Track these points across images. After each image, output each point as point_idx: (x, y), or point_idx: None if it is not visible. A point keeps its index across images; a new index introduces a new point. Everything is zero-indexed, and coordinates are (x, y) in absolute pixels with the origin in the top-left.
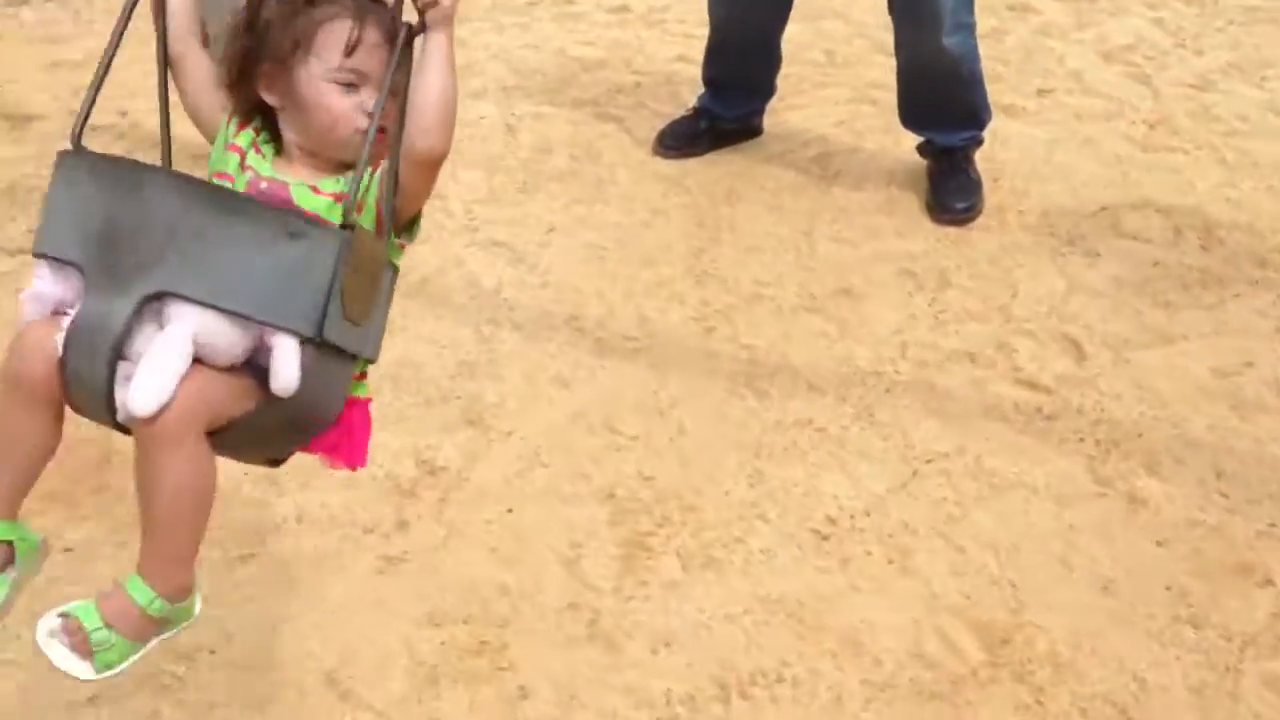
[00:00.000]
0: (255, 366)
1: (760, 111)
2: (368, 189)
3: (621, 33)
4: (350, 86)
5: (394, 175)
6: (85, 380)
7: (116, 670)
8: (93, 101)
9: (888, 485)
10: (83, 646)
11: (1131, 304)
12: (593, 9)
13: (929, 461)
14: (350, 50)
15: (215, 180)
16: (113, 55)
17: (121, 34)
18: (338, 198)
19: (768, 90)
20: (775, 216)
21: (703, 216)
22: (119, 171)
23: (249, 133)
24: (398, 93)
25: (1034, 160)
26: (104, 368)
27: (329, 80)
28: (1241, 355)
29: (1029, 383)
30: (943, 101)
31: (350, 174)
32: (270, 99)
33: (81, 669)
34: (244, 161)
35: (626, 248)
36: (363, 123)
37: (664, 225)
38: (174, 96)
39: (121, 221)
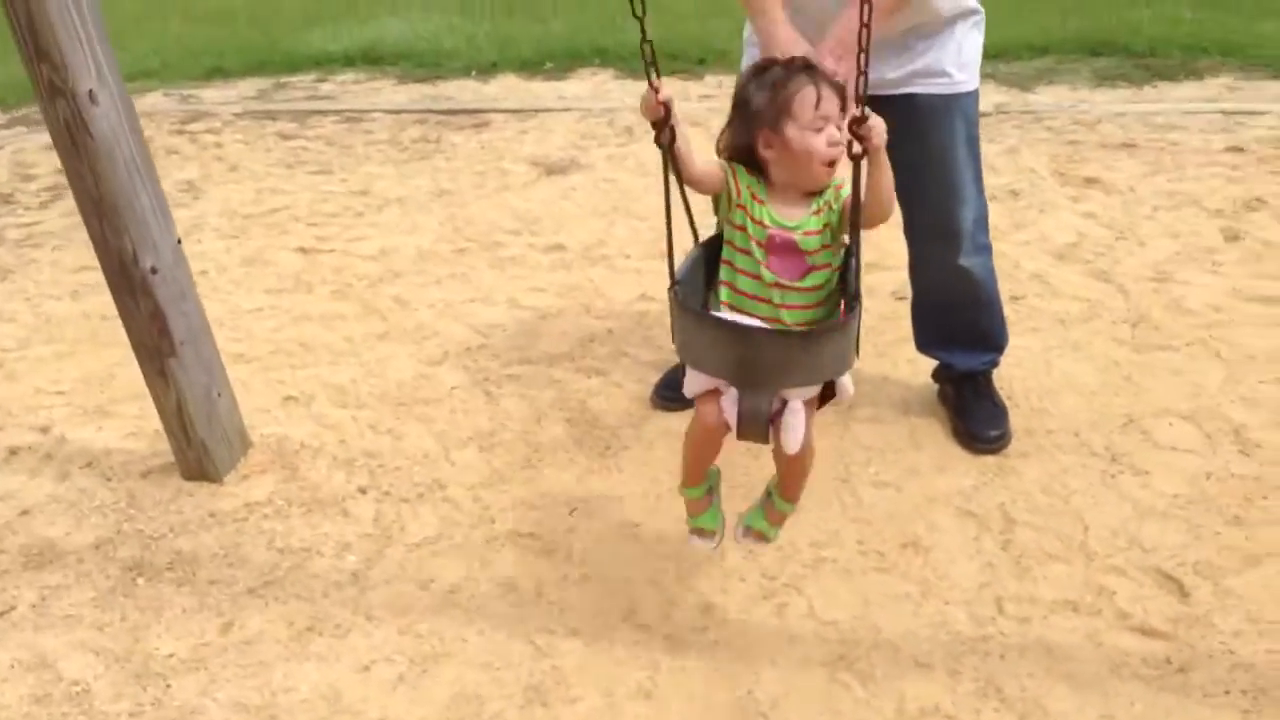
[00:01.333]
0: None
1: None
2: (832, 217)
3: (568, 275)
4: (819, 130)
5: (856, 244)
6: (753, 434)
7: (772, 543)
8: (671, 249)
9: None
10: (760, 538)
11: (1206, 525)
12: (527, 251)
13: None
14: (816, 105)
15: (729, 229)
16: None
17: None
18: (819, 231)
19: None
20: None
21: (728, 475)
22: (739, 332)
23: (745, 189)
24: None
25: (1037, 375)
26: (764, 427)
27: (808, 129)
28: None
29: (1143, 629)
30: (962, 324)
31: (819, 199)
32: (768, 154)
33: (759, 546)
34: (751, 215)
35: (660, 521)
36: (835, 154)
37: None
38: None
39: (750, 359)
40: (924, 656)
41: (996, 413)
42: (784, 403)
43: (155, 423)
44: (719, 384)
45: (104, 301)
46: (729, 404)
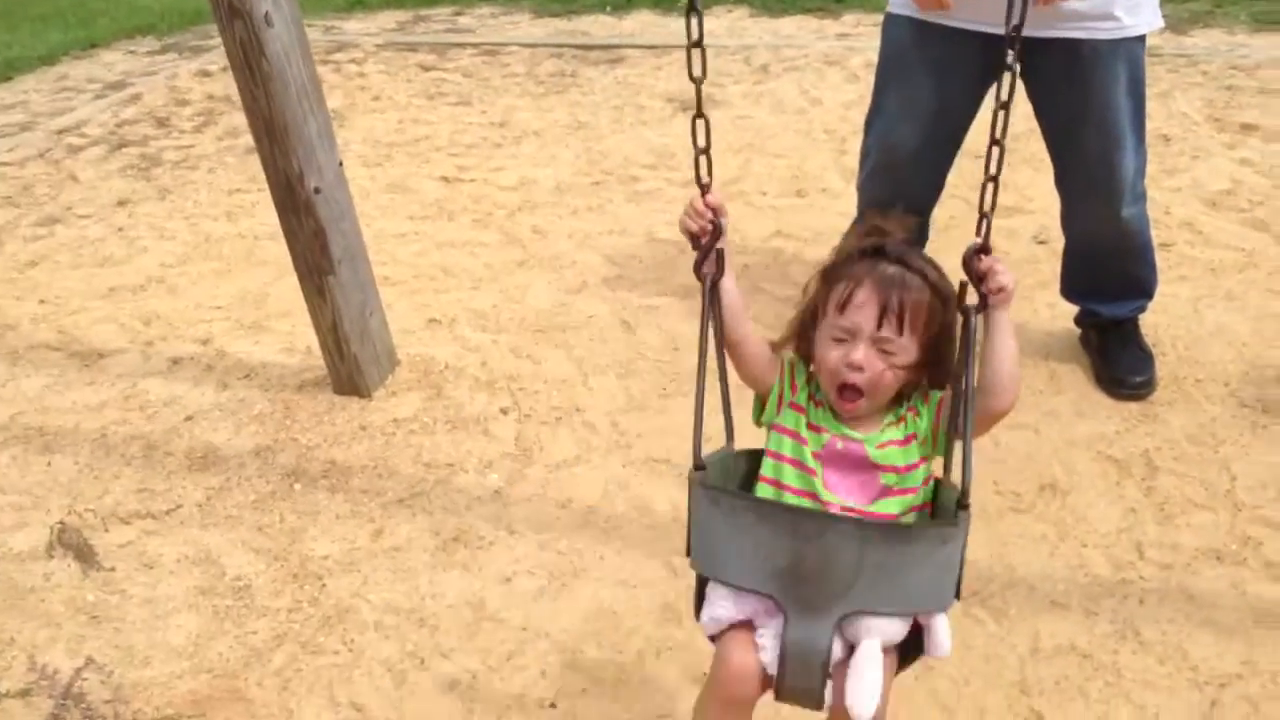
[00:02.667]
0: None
1: None
2: (923, 421)
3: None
4: (839, 341)
5: (963, 434)
6: (801, 689)
7: None
8: (700, 423)
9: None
10: None
11: None
12: (663, 185)
13: (1223, 686)
14: (841, 308)
15: (778, 434)
16: (703, 376)
17: (706, 347)
18: (901, 443)
19: None
20: None
21: None
22: (794, 517)
23: (804, 389)
24: (958, 375)
25: (1186, 322)
26: (819, 679)
27: (828, 335)
28: None
29: None
30: (1116, 273)
31: (900, 406)
32: (806, 356)
33: None
34: (809, 420)
35: None
36: (849, 377)
37: None
38: None
39: (809, 562)
40: (1060, 596)
41: (1143, 358)
42: (850, 647)
43: (308, 339)
44: (754, 611)
45: (257, 222)
46: (768, 641)
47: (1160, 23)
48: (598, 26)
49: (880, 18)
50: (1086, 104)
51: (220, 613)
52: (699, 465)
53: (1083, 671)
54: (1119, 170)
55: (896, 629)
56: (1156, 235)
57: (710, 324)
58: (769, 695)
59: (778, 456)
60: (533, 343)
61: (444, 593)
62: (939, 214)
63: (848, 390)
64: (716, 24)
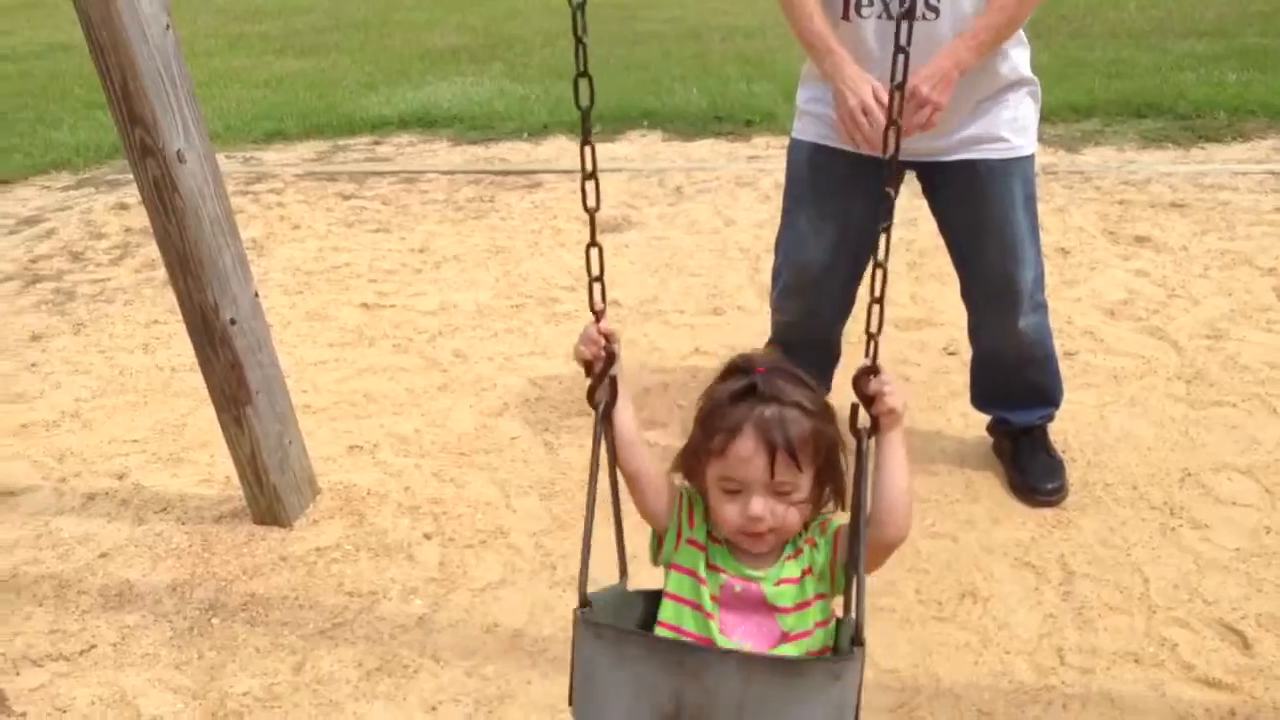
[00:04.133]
0: None
1: None
2: (820, 555)
3: (622, 330)
4: (733, 494)
5: (857, 567)
6: None
7: None
8: (586, 557)
9: None
10: None
11: (1267, 578)
12: (581, 306)
13: None
14: (728, 460)
15: (677, 574)
16: (592, 507)
17: (594, 492)
18: (796, 580)
19: (825, 387)
20: None
21: None
22: (677, 653)
23: (701, 526)
24: (843, 493)
25: (1093, 429)
26: None
27: (718, 487)
28: None
29: (1207, 681)
30: (1021, 382)
31: (799, 537)
32: (700, 490)
33: None
34: (708, 559)
35: None
36: (753, 527)
37: None
38: None
39: (690, 702)
40: (986, 705)
41: (1053, 465)
42: None
43: (226, 470)
44: None
45: (174, 353)
46: None
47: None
48: (514, 153)
49: (787, 140)
50: (986, 219)
51: None
52: (584, 603)
53: None
54: (1018, 281)
55: None
56: (1061, 344)
57: (603, 452)
58: None
59: (677, 599)
60: (455, 466)
61: None
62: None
63: (753, 539)
64: (631, 149)
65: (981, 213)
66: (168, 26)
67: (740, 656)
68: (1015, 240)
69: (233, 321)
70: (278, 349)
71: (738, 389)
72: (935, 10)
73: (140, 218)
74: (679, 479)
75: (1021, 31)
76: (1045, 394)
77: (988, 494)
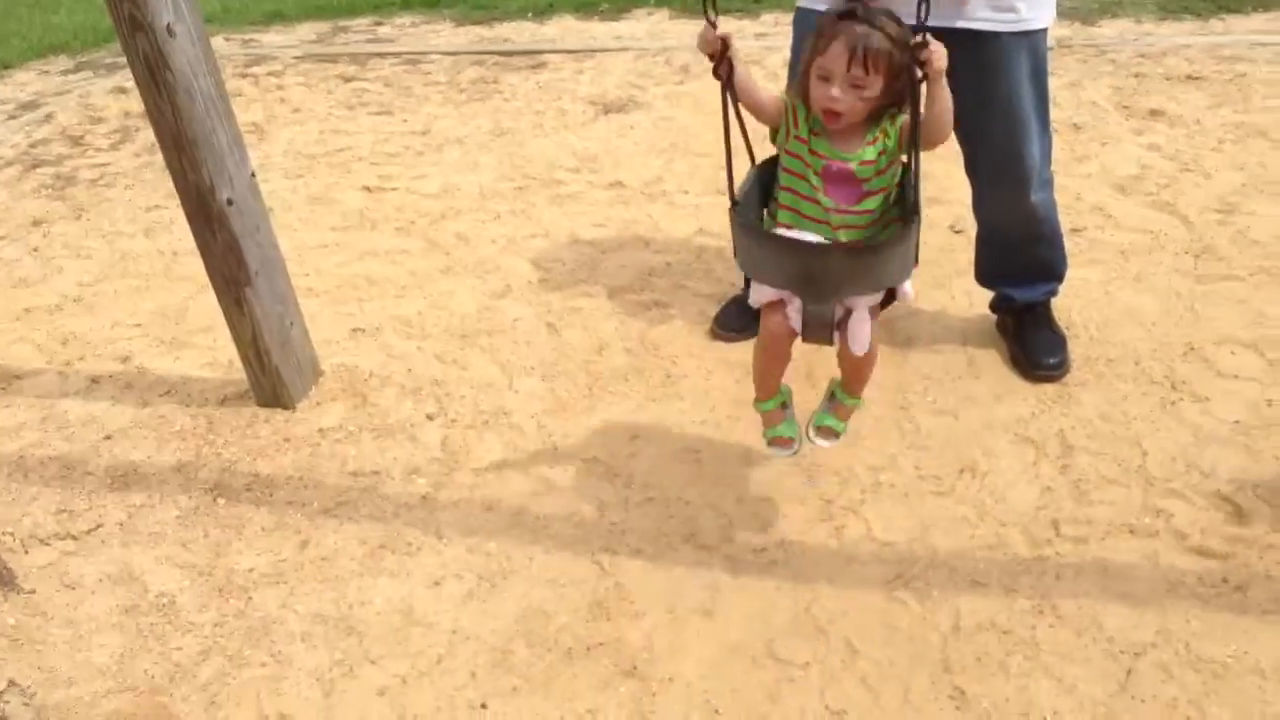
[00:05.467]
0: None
1: None
2: (891, 140)
3: (626, 210)
4: (823, 79)
5: (915, 161)
6: (817, 337)
7: (842, 437)
8: (730, 168)
9: (1106, 689)
10: (831, 434)
11: (1265, 450)
12: (586, 188)
13: (1138, 655)
14: (824, 55)
15: (787, 156)
16: (729, 139)
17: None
18: (874, 160)
19: None
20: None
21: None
22: (804, 249)
23: (804, 125)
24: (904, 101)
25: (1097, 305)
26: (829, 331)
27: (815, 76)
28: None
29: (1200, 550)
30: (1026, 258)
31: (875, 128)
32: (804, 91)
33: (833, 444)
34: (811, 148)
35: (719, 447)
36: (829, 104)
37: (751, 417)
38: None
39: (815, 273)
40: (980, 575)
41: (1056, 340)
42: (848, 310)
43: (229, 354)
44: (784, 294)
45: (175, 238)
46: (794, 312)
47: (1054, 16)
48: (519, 33)
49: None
50: (993, 92)
51: (144, 630)
52: (734, 202)
53: (1003, 647)
54: (1025, 156)
55: (877, 297)
56: (1068, 220)
57: (729, 108)
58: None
59: (789, 171)
60: (458, 348)
61: (372, 600)
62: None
63: (829, 115)
64: (637, 27)
65: (989, 85)
66: None
67: (845, 248)
68: (1022, 115)
69: (229, 202)
70: (279, 233)
71: (844, 10)
72: None
73: (138, 101)
74: (791, 94)
75: None
76: (1050, 269)
77: (990, 371)
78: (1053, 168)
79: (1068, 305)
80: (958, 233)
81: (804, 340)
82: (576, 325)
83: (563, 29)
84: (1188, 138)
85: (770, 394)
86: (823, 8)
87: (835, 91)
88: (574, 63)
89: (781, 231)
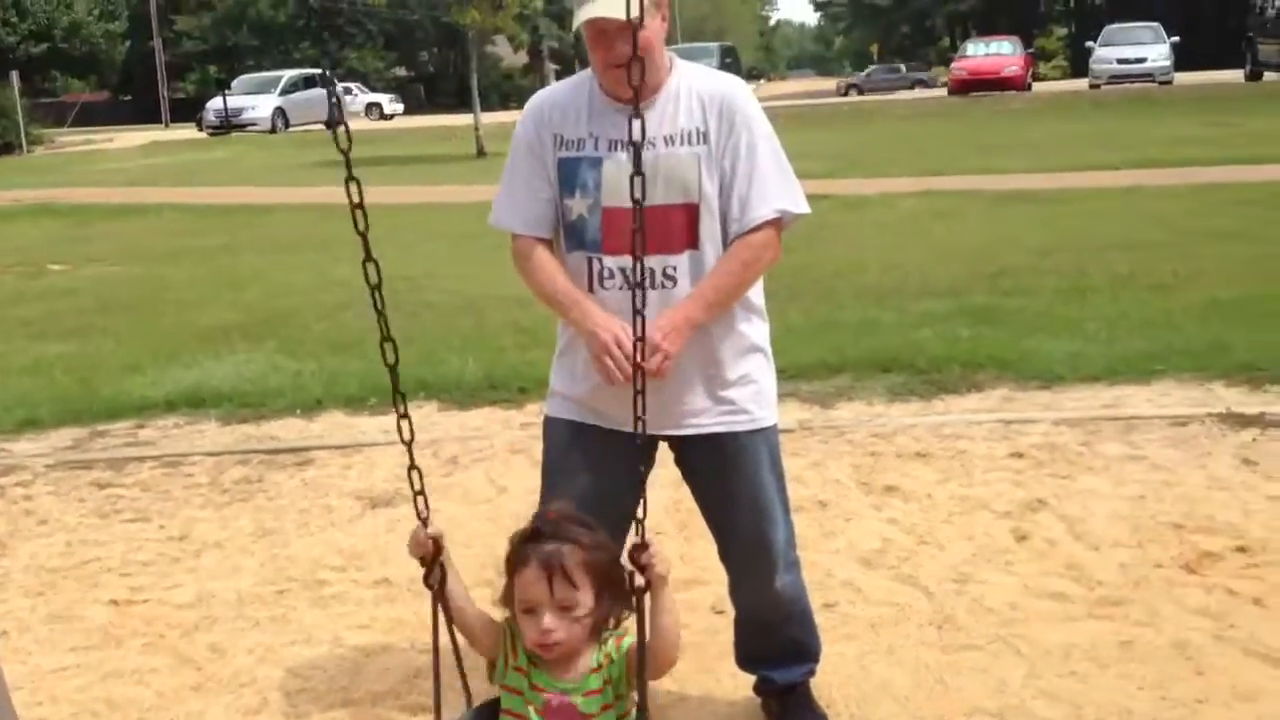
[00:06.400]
0: None
1: None
2: (616, 670)
3: (392, 609)
4: (529, 613)
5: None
6: None
7: None
8: (438, 701)
9: None
10: None
11: None
12: (351, 587)
13: None
14: (521, 587)
15: (507, 693)
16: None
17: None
18: (599, 690)
19: None
20: None
21: None
22: None
23: (523, 654)
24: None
25: (854, 680)
26: None
27: (519, 610)
28: None
29: None
30: (782, 639)
31: (599, 653)
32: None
33: None
34: (530, 681)
35: None
36: (544, 639)
37: None
38: None
39: None
40: None
41: None
42: None
43: None
44: None
45: None
46: None
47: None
48: (286, 430)
49: None
50: (738, 487)
51: None
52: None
53: None
54: (773, 545)
55: None
56: (821, 596)
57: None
58: None
59: (509, 714)
60: None
61: None
62: None
63: (547, 649)
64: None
65: (733, 482)
66: None
67: None
68: (767, 504)
69: None
70: (10, 659)
71: (528, 531)
72: (673, 280)
73: None
74: (504, 615)
75: (762, 305)
76: (805, 650)
77: None
78: (803, 546)
79: (827, 682)
80: (719, 613)
81: None
82: None
83: (331, 424)
84: (921, 512)
85: None
86: (570, 418)
87: (547, 622)
88: (342, 458)
89: None
